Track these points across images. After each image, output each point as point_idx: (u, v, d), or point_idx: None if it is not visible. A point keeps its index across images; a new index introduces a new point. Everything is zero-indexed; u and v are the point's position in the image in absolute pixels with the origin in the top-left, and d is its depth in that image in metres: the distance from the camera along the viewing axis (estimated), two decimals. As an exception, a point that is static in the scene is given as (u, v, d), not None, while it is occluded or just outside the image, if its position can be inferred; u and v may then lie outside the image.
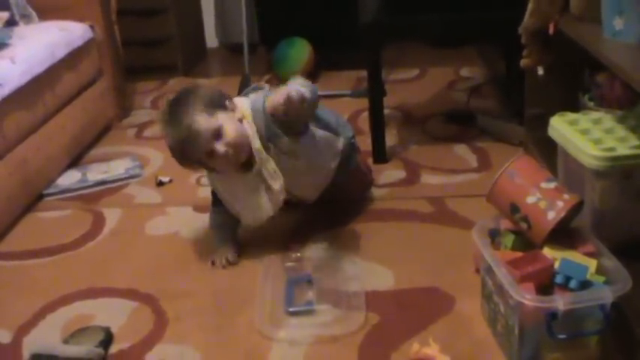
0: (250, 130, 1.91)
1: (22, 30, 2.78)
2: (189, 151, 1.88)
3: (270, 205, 1.97)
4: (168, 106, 1.92)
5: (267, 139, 1.90)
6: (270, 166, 1.91)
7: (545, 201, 1.56)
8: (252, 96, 2.00)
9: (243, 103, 1.97)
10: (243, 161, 1.93)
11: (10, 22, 2.75)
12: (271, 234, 2.14)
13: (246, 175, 1.94)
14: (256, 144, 1.90)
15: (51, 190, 2.55)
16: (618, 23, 1.62)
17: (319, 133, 2.01)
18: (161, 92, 3.69)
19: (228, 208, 2.05)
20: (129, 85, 3.59)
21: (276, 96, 1.76)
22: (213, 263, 2.02)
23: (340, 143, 2.11)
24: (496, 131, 2.73)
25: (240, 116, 1.92)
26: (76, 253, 2.16)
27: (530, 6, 1.98)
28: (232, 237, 2.11)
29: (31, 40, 2.63)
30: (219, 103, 1.91)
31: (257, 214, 2.00)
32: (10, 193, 2.31)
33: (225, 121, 1.88)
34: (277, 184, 1.93)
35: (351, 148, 2.21)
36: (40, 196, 2.52)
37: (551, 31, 1.97)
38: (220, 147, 1.86)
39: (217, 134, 1.86)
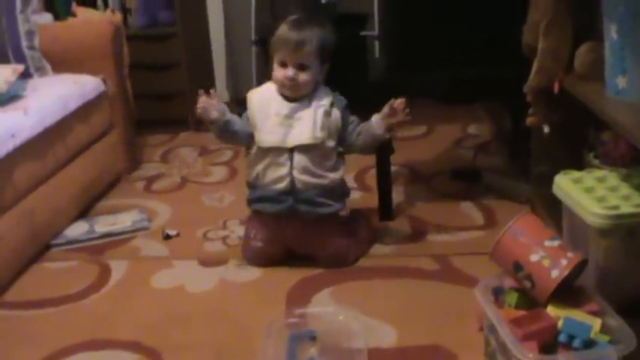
0: (323, 99, 2.19)
1: (36, 82, 2.83)
2: (283, 41, 2.14)
3: (279, 137, 2.16)
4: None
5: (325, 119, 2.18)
6: (305, 121, 2.16)
7: (548, 259, 1.56)
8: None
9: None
10: (287, 95, 2.19)
11: (25, 75, 2.80)
12: (275, 290, 2.14)
13: (284, 102, 2.18)
14: (321, 112, 2.17)
15: (58, 241, 2.56)
16: (621, 82, 1.63)
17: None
18: (171, 146, 3.73)
19: (251, 122, 2.21)
20: (139, 138, 3.63)
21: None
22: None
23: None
24: (502, 189, 2.73)
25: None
26: (80, 304, 2.16)
27: (535, 65, 2.01)
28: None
29: (44, 92, 2.67)
30: (327, 57, 2.19)
31: (268, 137, 2.17)
32: (17, 243, 2.31)
33: (313, 69, 2.16)
34: (298, 128, 2.15)
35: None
36: (47, 247, 2.53)
37: (555, 89, 1.98)
38: (291, 71, 2.14)
39: (301, 66, 2.14)
